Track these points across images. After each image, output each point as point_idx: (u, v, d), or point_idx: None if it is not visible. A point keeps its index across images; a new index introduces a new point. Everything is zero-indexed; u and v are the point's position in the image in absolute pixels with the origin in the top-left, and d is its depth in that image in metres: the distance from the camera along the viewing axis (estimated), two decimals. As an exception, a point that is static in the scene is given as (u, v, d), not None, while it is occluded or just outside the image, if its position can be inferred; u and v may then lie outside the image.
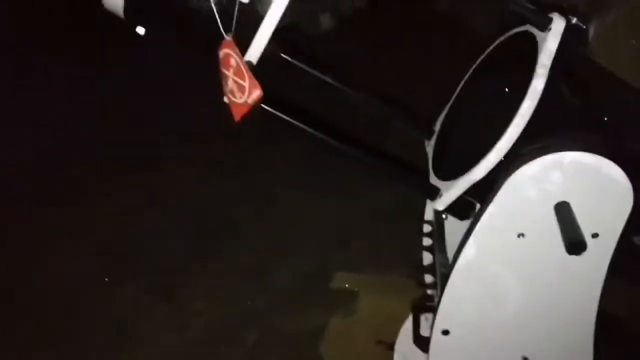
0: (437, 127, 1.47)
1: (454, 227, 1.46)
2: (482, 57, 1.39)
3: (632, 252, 1.23)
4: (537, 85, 1.11)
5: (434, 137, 1.46)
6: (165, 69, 3.44)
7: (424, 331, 1.63)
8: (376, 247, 2.57)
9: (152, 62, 3.32)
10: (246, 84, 1.01)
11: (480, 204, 1.26)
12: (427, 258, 1.58)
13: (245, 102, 1.02)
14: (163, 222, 2.90)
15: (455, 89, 1.44)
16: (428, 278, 1.51)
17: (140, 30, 1.12)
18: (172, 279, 2.59)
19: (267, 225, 2.84)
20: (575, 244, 1.04)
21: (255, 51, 1.03)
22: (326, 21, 3.99)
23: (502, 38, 1.33)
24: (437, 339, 1.33)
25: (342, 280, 2.26)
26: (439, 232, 1.51)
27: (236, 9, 0.99)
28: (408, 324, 1.85)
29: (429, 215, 1.61)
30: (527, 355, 1.35)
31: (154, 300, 2.50)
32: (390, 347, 1.90)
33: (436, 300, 1.53)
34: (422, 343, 1.68)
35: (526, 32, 1.22)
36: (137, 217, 2.91)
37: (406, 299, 1.88)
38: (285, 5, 1.01)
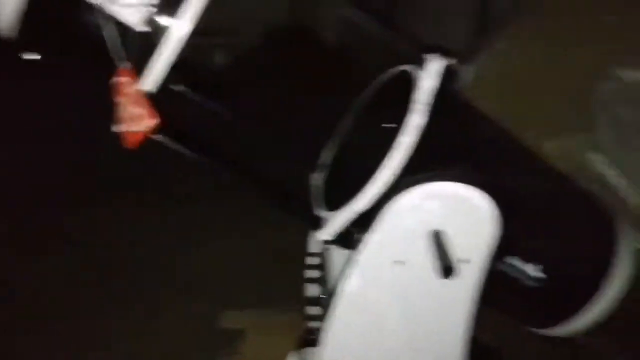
0: (323, 160, 1.51)
1: (340, 257, 1.50)
2: (363, 93, 1.45)
3: (502, 281, 1.31)
4: (413, 120, 1.17)
5: (320, 170, 1.49)
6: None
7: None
8: (270, 284, 2.57)
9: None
10: (142, 113, 1.00)
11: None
12: (312, 291, 1.60)
13: (140, 130, 1.01)
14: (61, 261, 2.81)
15: (341, 123, 1.49)
16: (314, 310, 1.52)
17: (33, 56, 1.10)
18: (68, 326, 2.48)
19: (165, 266, 2.81)
20: (444, 268, 1.10)
21: (151, 80, 1.03)
22: (221, 56, 4.05)
23: (382, 76, 1.39)
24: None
25: (229, 320, 2.24)
26: (323, 263, 1.54)
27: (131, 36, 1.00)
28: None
29: (312, 247, 1.64)
30: (407, 383, 1.39)
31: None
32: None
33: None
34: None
35: (405, 71, 1.30)
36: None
37: (293, 335, 1.89)
38: (182, 36, 1.02)
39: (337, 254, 1.46)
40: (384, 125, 1.33)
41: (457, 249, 1.14)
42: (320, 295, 1.52)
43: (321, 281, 1.57)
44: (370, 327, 1.29)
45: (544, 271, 1.32)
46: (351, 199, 1.24)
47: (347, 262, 1.24)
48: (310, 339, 1.60)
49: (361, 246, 1.20)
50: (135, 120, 1.03)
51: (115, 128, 1.09)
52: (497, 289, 1.28)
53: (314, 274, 1.60)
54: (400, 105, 1.27)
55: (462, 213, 1.16)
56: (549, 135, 1.94)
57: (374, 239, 1.19)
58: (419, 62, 1.24)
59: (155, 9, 1.00)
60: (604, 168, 1.93)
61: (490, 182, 1.18)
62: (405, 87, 1.27)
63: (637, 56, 2.03)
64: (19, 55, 1.12)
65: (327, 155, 1.52)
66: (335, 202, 1.32)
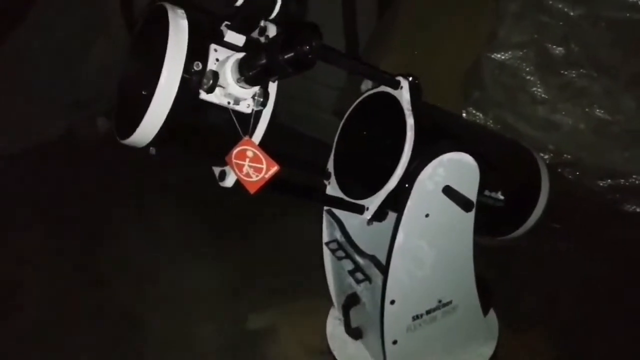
0: (331, 168, 2.03)
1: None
2: (350, 110, 1.99)
3: (483, 208, 1.92)
4: (410, 121, 1.74)
5: (332, 176, 2.02)
6: None
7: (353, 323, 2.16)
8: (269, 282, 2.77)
9: None
10: (263, 165, 1.46)
11: (391, 209, 1.86)
12: (347, 265, 2.10)
13: (263, 177, 1.47)
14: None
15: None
16: (358, 276, 2.03)
17: (152, 150, 1.51)
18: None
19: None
20: (467, 203, 1.70)
21: (258, 139, 1.52)
22: (103, 124, 4.25)
23: (363, 96, 1.95)
24: (387, 310, 1.86)
25: (255, 321, 2.61)
26: (350, 242, 2.08)
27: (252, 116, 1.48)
28: (330, 328, 2.36)
29: (325, 238, 2.17)
30: (440, 298, 1.98)
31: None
32: (323, 352, 2.35)
33: (360, 291, 2.07)
34: (354, 332, 2.22)
35: (383, 92, 1.87)
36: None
37: (315, 314, 2.40)
38: (270, 111, 1.52)
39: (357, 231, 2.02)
40: (377, 129, 1.90)
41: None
42: (358, 264, 2.03)
43: (349, 257, 2.09)
44: (414, 266, 1.85)
45: (503, 194, 1.98)
46: (376, 185, 1.78)
47: (394, 225, 1.78)
48: (353, 301, 2.13)
49: (401, 211, 1.75)
50: (257, 172, 1.48)
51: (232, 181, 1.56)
52: (482, 215, 1.89)
53: (340, 254, 2.12)
54: (385, 114, 1.83)
55: (458, 170, 1.76)
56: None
57: (409, 204, 1.74)
58: (395, 84, 1.81)
59: (255, 100, 1.49)
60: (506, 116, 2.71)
61: (466, 146, 1.79)
62: (384, 102, 1.84)
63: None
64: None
65: (331, 164, 2.03)
66: (361, 192, 1.85)
